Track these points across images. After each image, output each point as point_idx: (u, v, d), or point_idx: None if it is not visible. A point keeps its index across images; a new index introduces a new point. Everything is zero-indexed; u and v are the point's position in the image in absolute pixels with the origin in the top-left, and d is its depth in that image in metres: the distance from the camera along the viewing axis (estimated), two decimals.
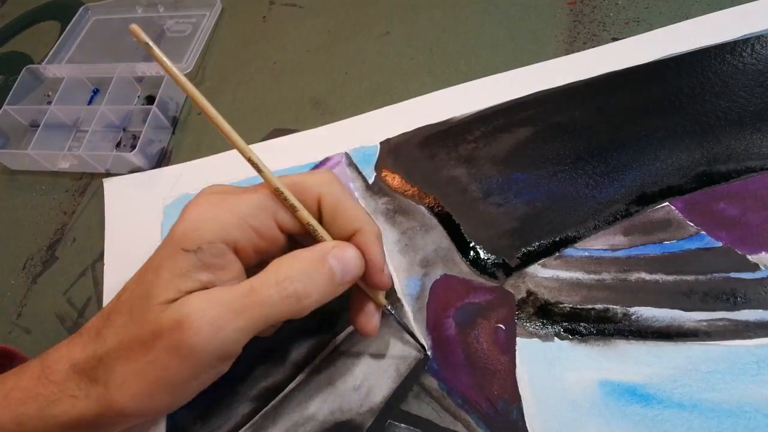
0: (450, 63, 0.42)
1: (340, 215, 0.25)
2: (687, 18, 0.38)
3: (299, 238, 0.26)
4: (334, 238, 0.26)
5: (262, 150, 0.41)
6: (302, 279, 0.23)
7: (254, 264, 0.26)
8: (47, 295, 0.40)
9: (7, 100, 0.47)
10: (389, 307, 0.29)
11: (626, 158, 0.33)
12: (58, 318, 0.38)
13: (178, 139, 0.45)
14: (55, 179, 0.46)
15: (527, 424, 0.27)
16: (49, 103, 0.47)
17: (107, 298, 0.37)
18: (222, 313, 0.22)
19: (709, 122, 0.33)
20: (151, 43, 0.23)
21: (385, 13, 0.47)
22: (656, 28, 0.38)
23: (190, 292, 0.23)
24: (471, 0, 0.45)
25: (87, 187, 0.45)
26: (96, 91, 0.50)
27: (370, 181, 0.37)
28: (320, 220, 0.26)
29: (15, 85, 0.48)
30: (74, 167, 0.45)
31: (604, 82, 0.36)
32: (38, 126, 0.45)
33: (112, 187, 0.43)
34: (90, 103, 0.49)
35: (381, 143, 0.39)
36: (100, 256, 0.40)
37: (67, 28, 0.54)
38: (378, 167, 0.38)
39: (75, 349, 0.25)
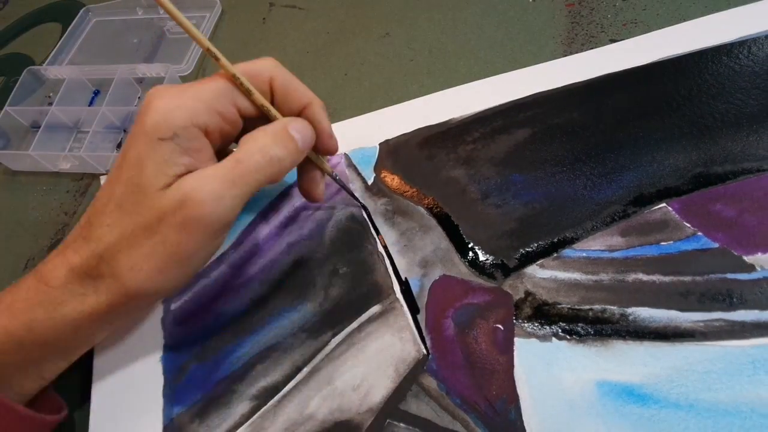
0: (449, 64, 0.42)
1: (290, 93, 0.29)
2: (684, 20, 0.38)
3: (254, 123, 0.29)
4: (286, 113, 0.29)
5: None
6: (277, 145, 0.27)
7: (218, 147, 0.28)
8: None
9: (8, 101, 0.48)
10: (334, 174, 0.33)
11: (624, 159, 0.33)
12: None
13: None
14: (57, 180, 0.46)
15: (525, 424, 0.27)
16: (50, 104, 0.47)
17: None
18: (218, 185, 0.25)
19: (705, 124, 0.33)
20: None
21: (385, 14, 0.48)
22: (654, 30, 0.38)
23: (179, 176, 0.25)
24: (470, 1, 0.46)
25: (88, 187, 0.45)
26: (97, 92, 0.50)
27: (370, 182, 0.37)
28: (272, 100, 0.29)
29: (16, 87, 0.48)
30: (75, 168, 0.45)
31: (602, 84, 0.37)
32: (39, 127, 0.46)
33: None
34: (91, 104, 0.49)
35: (380, 144, 0.39)
36: None
37: (68, 29, 0.54)
38: (377, 168, 0.38)
39: (69, 255, 0.26)
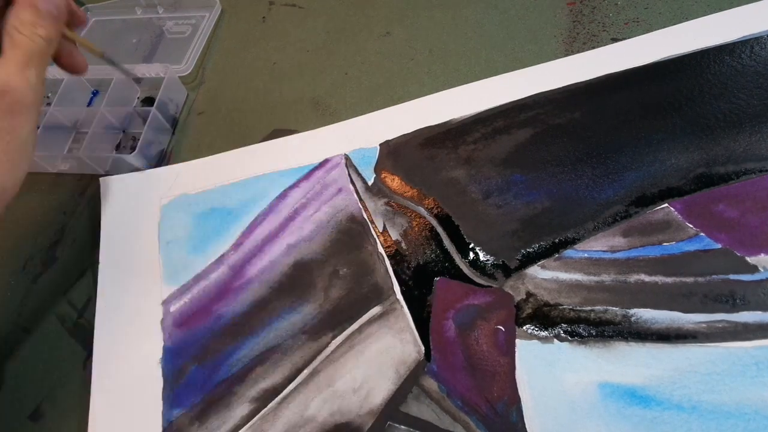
0: (449, 63, 0.42)
1: None
2: (686, 19, 0.38)
3: None
4: None
5: (261, 151, 0.41)
6: (39, 23, 0.29)
7: None
8: (47, 296, 0.40)
9: None
10: (105, 55, 0.36)
11: (625, 160, 0.33)
12: (58, 318, 0.38)
13: (178, 140, 0.45)
14: (55, 180, 0.46)
15: (527, 426, 0.27)
16: (49, 104, 0.47)
17: (102, 295, 0.37)
18: (20, 69, 0.29)
19: (708, 124, 0.33)
20: None
21: (385, 13, 0.47)
22: (655, 29, 0.38)
23: None
24: (471, 0, 0.45)
25: (87, 188, 0.45)
26: (95, 93, 0.50)
27: (370, 183, 0.37)
28: None
29: None
30: (74, 169, 0.45)
31: (603, 84, 0.36)
32: (38, 128, 0.45)
33: (108, 185, 0.43)
34: (89, 104, 0.49)
35: (380, 145, 0.39)
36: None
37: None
38: (377, 169, 0.38)
39: None
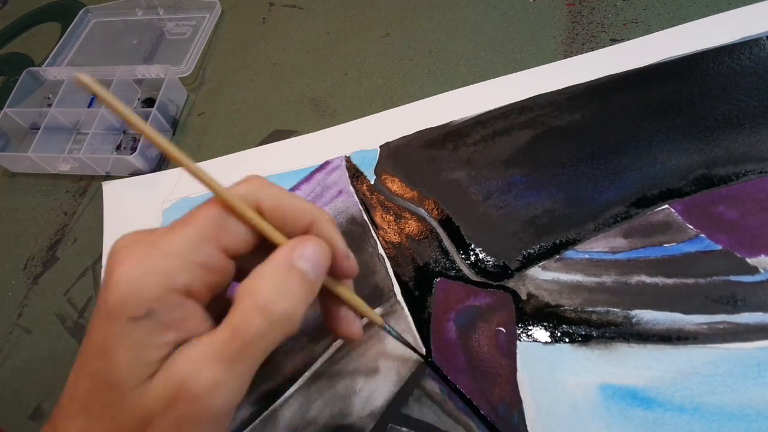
0: (449, 64, 0.42)
1: (287, 214, 0.22)
2: (685, 20, 0.38)
3: (247, 262, 0.22)
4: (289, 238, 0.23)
5: (262, 154, 0.41)
6: (283, 295, 0.20)
7: (209, 302, 0.22)
8: (48, 295, 0.40)
9: (7, 102, 0.47)
10: (387, 326, 0.27)
11: (626, 161, 0.33)
12: (58, 318, 0.38)
13: (178, 141, 0.45)
14: (56, 181, 0.46)
15: (528, 428, 0.27)
16: (50, 105, 0.47)
17: None
18: (215, 369, 0.19)
19: (707, 125, 0.33)
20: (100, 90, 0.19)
21: (385, 14, 0.48)
22: (654, 30, 0.38)
23: (164, 358, 0.20)
24: (470, 1, 0.45)
25: (87, 188, 0.45)
26: None
27: (371, 184, 0.37)
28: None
29: (15, 88, 0.48)
30: (74, 170, 0.45)
31: (603, 86, 0.36)
32: (38, 128, 0.45)
33: (111, 189, 0.43)
34: (90, 105, 0.49)
35: (381, 146, 0.39)
36: (100, 257, 0.40)
37: (68, 30, 0.54)
38: (378, 170, 0.38)
39: None
